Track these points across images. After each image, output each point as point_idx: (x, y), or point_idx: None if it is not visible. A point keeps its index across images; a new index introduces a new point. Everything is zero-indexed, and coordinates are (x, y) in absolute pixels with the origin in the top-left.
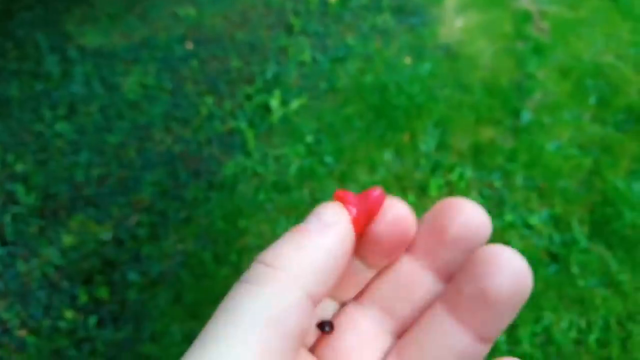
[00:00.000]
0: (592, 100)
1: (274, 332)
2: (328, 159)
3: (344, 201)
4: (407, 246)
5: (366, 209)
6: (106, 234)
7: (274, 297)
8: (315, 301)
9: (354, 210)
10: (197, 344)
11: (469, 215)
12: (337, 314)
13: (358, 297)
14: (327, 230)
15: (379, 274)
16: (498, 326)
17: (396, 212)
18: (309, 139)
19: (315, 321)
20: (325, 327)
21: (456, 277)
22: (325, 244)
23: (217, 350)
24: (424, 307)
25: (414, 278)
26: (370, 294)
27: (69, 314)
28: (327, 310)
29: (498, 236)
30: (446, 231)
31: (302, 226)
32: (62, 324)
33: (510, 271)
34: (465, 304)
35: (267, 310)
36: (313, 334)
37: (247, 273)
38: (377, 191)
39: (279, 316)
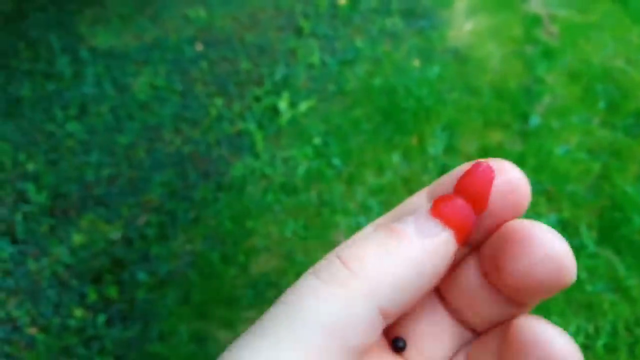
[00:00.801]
0: (601, 104)
1: (332, 343)
2: (336, 161)
3: (446, 208)
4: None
5: (474, 203)
6: (115, 234)
7: (341, 306)
8: (388, 318)
9: (460, 215)
10: (251, 330)
11: (545, 256)
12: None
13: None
14: (423, 242)
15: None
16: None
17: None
18: (317, 141)
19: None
20: (399, 343)
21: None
22: (415, 259)
23: (265, 345)
24: (495, 322)
25: (481, 289)
26: (447, 291)
27: (78, 312)
28: None
29: None
30: (511, 270)
31: (396, 227)
32: (71, 322)
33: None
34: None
35: (330, 318)
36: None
37: (321, 265)
38: (482, 166)
39: (342, 328)
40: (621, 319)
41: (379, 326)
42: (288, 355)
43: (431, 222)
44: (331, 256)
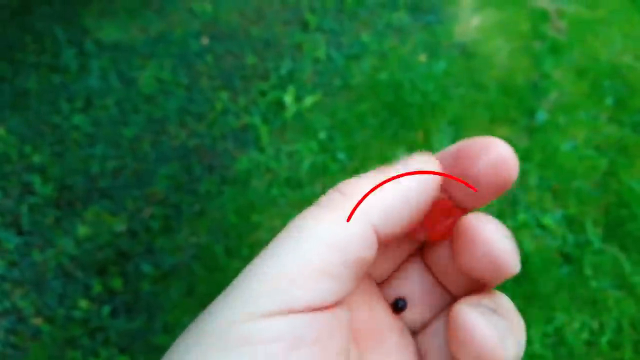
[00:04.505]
0: (608, 100)
1: (333, 257)
2: (341, 156)
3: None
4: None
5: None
6: (120, 226)
7: (339, 224)
8: (383, 238)
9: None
10: (262, 254)
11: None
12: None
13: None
14: (410, 175)
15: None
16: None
17: (499, 152)
18: (322, 135)
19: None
20: (399, 303)
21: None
22: (403, 187)
23: (277, 263)
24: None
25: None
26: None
27: (83, 303)
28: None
29: None
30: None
31: (386, 167)
32: (76, 313)
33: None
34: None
35: (330, 235)
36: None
37: (322, 198)
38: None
39: (341, 243)
40: (626, 315)
41: (374, 243)
42: (294, 270)
43: (418, 161)
44: (331, 190)
